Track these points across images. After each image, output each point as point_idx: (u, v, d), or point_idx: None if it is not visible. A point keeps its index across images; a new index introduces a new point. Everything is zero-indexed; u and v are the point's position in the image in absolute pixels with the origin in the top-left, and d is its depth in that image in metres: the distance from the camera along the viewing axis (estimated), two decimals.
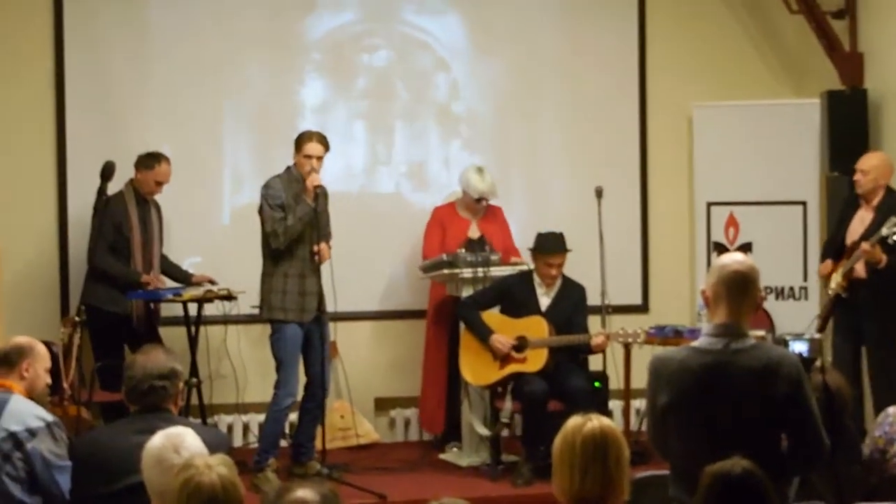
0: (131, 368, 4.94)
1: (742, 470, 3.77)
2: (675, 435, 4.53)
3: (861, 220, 8.26)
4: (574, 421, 3.99)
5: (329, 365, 8.31)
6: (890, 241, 7.86)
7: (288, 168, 8.14)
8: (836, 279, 8.21)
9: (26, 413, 5.33)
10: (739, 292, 4.57)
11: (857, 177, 8.28)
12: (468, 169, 9.00)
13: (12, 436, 5.25)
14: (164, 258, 8.70)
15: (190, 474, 3.79)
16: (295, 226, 7.94)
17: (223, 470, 3.82)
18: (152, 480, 4.14)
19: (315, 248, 7.98)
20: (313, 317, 8.03)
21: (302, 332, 8.04)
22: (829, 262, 8.38)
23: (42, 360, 5.61)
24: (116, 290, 8.27)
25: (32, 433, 5.25)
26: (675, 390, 4.50)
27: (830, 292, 8.29)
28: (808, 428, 4.48)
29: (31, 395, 5.48)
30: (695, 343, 4.59)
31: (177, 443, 4.18)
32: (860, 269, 8.10)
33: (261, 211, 8.07)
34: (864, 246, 7.96)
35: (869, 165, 8.27)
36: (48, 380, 5.67)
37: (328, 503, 3.45)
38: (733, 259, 4.69)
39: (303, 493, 3.49)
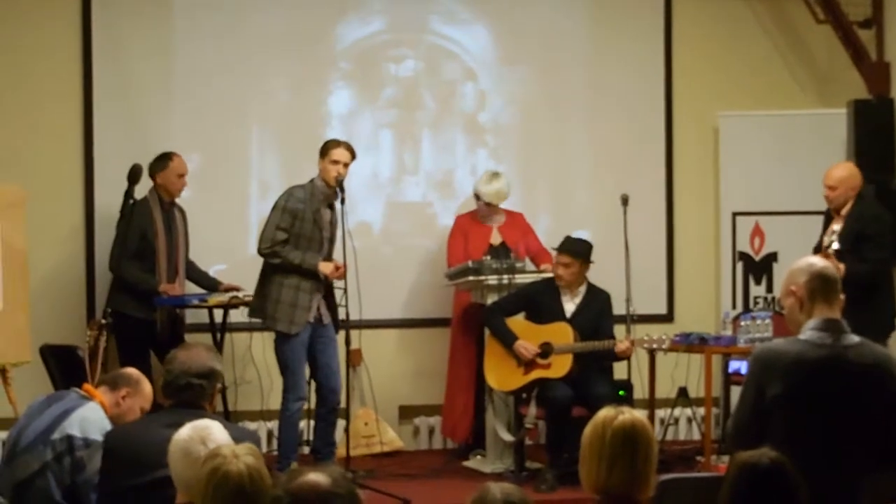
0: (171, 363, 4.89)
1: (770, 461, 3.74)
2: (784, 428, 4.43)
3: (832, 232, 8.15)
4: (606, 412, 3.93)
5: (338, 369, 8.18)
6: (830, 250, 7.82)
7: (312, 180, 8.14)
8: None
9: (93, 423, 5.27)
10: (834, 289, 4.61)
11: (827, 193, 8.13)
12: (484, 173, 9.05)
13: (69, 439, 5.22)
14: (191, 265, 8.70)
15: (217, 464, 3.69)
16: (291, 264, 7.95)
17: (250, 459, 3.72)
18: (178, 472, 4.07)
19: (337, 263, 8.04)
20: (303, 329, 8.00)
21: (307, 336, 8.04)
22: None
23: (143, 399, 5.50)
24: (142, 296, 8.28)
25: (88, 444, 5.20)
26: (791, 382, 4.44)
27: None
28: None
29: (118, 423, 5.33)
30: (802, 336, 4.54)
31: (204, 435, 4.11)
32: None
33: (271, 212, 8.09)
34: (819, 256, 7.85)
35: (836, 180, 8.11)
36: None
37: (338, 486, 3.42)
38: (817, 260, 4.74)
39: (314, 476, 3.44)
